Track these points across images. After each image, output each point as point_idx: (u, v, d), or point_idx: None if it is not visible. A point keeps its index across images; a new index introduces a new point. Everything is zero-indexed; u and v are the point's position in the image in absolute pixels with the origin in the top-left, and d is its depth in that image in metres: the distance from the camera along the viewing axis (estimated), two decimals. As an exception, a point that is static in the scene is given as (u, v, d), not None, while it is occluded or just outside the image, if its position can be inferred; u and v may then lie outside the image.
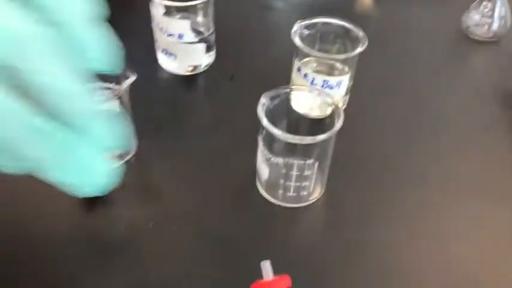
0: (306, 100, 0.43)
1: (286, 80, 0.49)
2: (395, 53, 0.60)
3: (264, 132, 0.39)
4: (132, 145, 0.44)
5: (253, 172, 0.43)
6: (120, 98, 0.40)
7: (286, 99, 0.41)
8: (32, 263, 0.36)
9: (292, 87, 0.42)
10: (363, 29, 0.47)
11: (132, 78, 0.40)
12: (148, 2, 0.50)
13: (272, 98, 0.40)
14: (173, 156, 0.45)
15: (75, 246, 0.38)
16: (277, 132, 0.37)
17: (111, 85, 0.41)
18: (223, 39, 0.55)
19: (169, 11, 0.49)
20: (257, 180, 0.42)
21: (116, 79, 0.41)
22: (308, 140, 0.37)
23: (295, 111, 0.44)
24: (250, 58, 0.57)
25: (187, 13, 0.50)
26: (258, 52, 0.58)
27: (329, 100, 0.41)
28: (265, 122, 0.38)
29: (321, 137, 0.37)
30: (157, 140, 0.46)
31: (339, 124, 0.37)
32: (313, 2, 0.66)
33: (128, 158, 0.44)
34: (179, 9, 0.50)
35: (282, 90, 0.41)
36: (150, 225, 0.39)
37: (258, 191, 0.42)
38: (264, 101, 0.39)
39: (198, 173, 0.44)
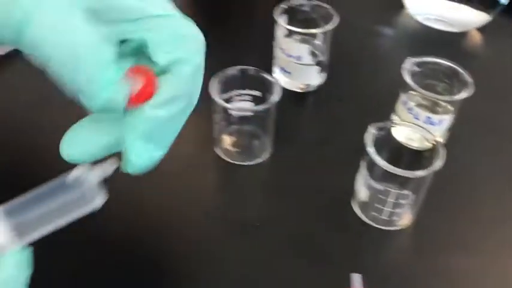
0: (408, 132, 0.47)
1: (390, 108, 0.53)
2: (501, 92, 0.62)
3: (368, 158, 0.43)
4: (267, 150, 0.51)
5: (350, 189, 0.47)
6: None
7: (390, 129, 0.46)
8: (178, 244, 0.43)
9: (397, 122, 0.46)
10: (470, 65, 0.50)
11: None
12: (274, 23, 0.55)
13: (379, 129, 0.44)
14: (278, 166, 0.51)
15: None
16: (380, 161, 0.41)
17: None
18: (336, 62, 0.59)
19: (291, 34, 0.55)
20: (353, 198, 0.47)
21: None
22: (407, 173, 0.41)
23: (396, 140, 0.48)
24: (358, 82, 0.61)
25: (308, 37, 0.55)
26: (366, 77, 0.62)
27: (430, 136, 0.44)
28: (370, 150, 0.42)
29: (420, 173, 0.41)
30: (267, 149, 0.52)
31: (438, 164, 0.41)
32: (423, 32, 0.69)
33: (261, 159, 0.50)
34: (301, 34, 0.55)
35: (389, 124, 0.45)
36: (256, 225, 0.45)
37: (351, 208, 0.47)
38: (372, 130, 0.44)
39: (298, 184, 0.49)
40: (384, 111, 0.54)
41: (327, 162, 0.51)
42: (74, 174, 0.28)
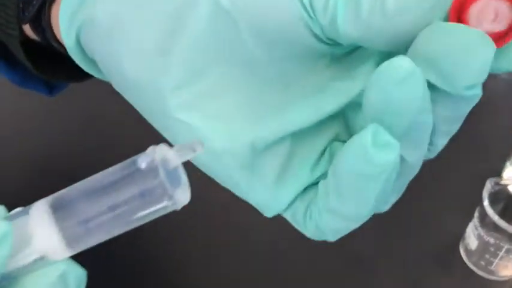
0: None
1: (505, 152, 0.55)
2: None
3: (481, 209, 0.45)
4: None
5: (459, 234, 0.49)
6: None
7: (507, 185, 0.47)
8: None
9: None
10: None
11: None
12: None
13: (496, 184, 0.46)
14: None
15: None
16: (493, 215, 0.44)
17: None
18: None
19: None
20: (461, 244, 0.49)
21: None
22: (522, 232, 0.43)
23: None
24: (472, 123, 0.62)
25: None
26: (480, 118, 0.63)
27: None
28: (486, 203, 0.45)
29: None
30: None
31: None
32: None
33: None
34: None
35: (505, 184, 0.47)
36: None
37: (459, 253, 0.49)
38: (489, 185, 0.46)
39: (408, 225, 0.52)
40: (498, 153, 0.56)
41: (438, 204, 0.54)
42: (147, 155, 0.19)
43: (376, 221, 0.53)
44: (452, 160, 0.58)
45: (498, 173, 0.54)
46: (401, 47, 0.19)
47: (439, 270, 0.48)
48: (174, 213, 0.19)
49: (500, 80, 0.70)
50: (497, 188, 0.46)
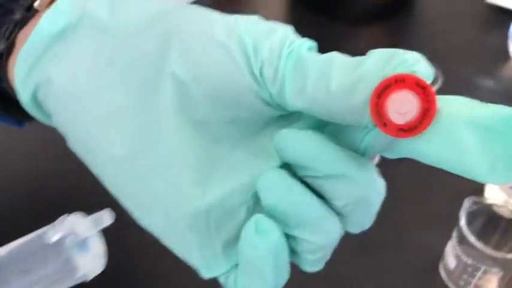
0: (502, 196, 0.48)
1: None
2: None
3: (459, 230, 0.45)
4: None
5: (439, 253, 0.49)
6: None
7: (486, 204, 0.47)
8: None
9: (493, 199, 0.47)
10: None
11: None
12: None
13: (475, 203, 0.46)
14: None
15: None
16: (470, 237, 0.43)
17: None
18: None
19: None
20: (441, 263, 0.49)
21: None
22: (499, 254, 0.42)
23: (491, 208, 0.49)
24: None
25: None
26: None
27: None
28: (463, 223, 0.44)
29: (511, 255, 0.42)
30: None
31: (532, 248, 0.42)
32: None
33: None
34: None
35: (484, 203, 0.46)
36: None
37: (439, 272, 0.49)
38: (467, 204, 0.45)
39: (388, 244, 0.51)
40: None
41: (419, 220, 0.53)
42: (56, 230, 0.18)
43: (356, 240, 0.53)
44: (434, 178, 0.57)
45: (480, 190, 0.54)
46: (344, 120, 0.21)
47: (420, 284, 0.48)
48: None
49: (483, 89, 0.69)
50: (475, 207, 0.46)
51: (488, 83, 0.69)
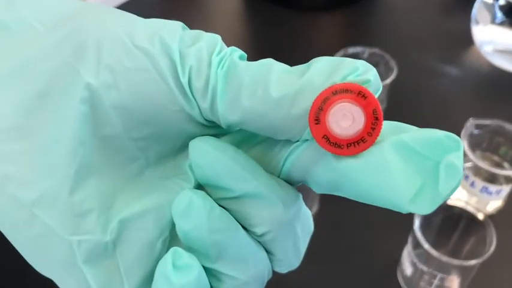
0: (462, 195, 0.45)
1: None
2: None
3: (414, 235, 0.42)
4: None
5: (398, 258, 0.46)
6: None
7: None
8: None
9: (453, 203, 0.44)
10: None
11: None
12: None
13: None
14: (324, 223, 0.50)
15: None
16: (425, 244, 0.40)
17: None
18: (394, 106, 0.57)
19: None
20: (398, 269, 0.46)
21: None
22: (455, 262, 0.39)
23: (451, 207, 0.45)
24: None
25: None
26: (423, 126, 0.59)
27: (483, 210, 0.42)
28: (416, 227, 0.41)
29: (470, 263, 0.39)
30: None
31: (487, 253, 0.39)
32: (492, 72, 0.66)
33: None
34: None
35: (442, 204, 0.43)
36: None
37: (397, 278, 0.46)
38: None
39: (344, 244, 0.48)
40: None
41: (374, 223, 0.50)
42: None
43: (309, 249, 0.49)
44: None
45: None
46: (282, 132, 0.18)
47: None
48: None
49: (448, 77, 0.66)
50: (431, 209, 0.43)
51: (451, 70, 0.66)
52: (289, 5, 0.73)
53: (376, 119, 0.18)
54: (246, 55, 0.20)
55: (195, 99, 0.19)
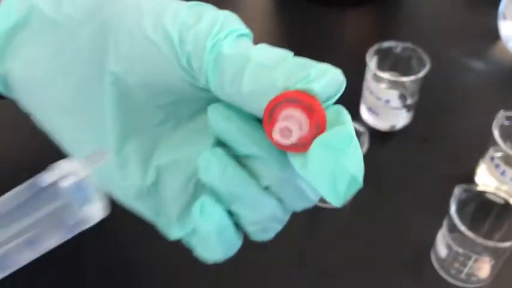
0: (493, 183, 0.48)
1: (477, 151, 0.53)
2: None
3: (450, 219, 0.44)
4: None
5: (430, 241, 0.48)
6: None
7: (476, 191, 0.46)
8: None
9: (485, 189, 0.46)
10: None
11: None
12: (365, 65, 0.56)
13: (465, 191, 0.45)
14: (358, 210, 0.53)
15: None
16: (461, 226, 0.42)
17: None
18: (423, 99, 0.59)
19: (380, 78, 0.56)
20: (432, 251, 0.48)
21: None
22: (490, 243, 0.42)
23: (482, 195, 0.48)
24: (445, 123, 0.61)
25: (398, 83, 0.56)
26: (453, 118, 0.62)
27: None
28: (453, 211, 0.43)
29: (505, 244, 0.41)
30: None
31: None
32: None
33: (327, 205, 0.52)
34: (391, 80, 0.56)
35: (475, 190, 0.45)
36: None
37: (431, 261, 0.48)
38: (457, 192, 0.44)
39: (378, 230, 0.51)
40: (470, 155, 0.54)
41: (407, 209, 0.52)
42: (51, 172, 0.18)
43: (342, 229, 0.52)
44: (423, 165, 0.57)
45: (470, 177, 0.53)
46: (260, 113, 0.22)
47: (411, 278, 0.47)
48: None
49: (475, 72, 0.68)
50: (465, 194, 0.45)
51: (477, 64, 0.68)
52: (320, 1, 0.75)
53: (319, 132, 0.21)
54: (248, 33, 0.23)
55: (197, 76, 0.23)
